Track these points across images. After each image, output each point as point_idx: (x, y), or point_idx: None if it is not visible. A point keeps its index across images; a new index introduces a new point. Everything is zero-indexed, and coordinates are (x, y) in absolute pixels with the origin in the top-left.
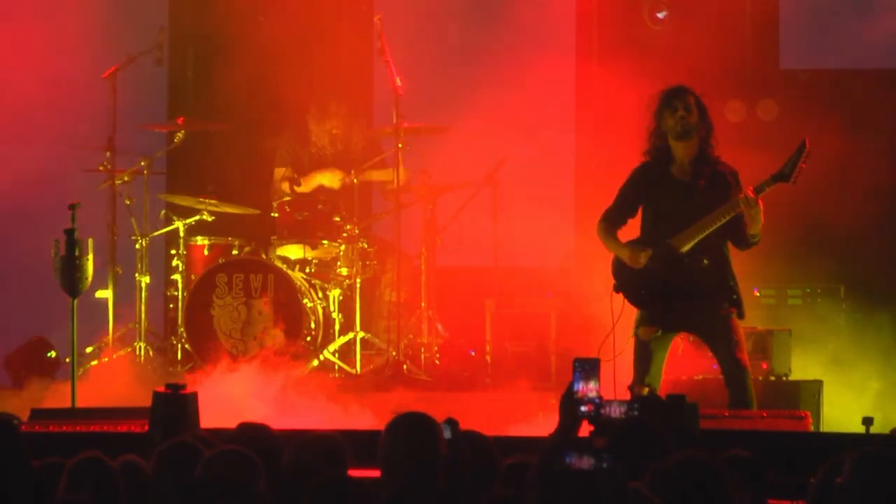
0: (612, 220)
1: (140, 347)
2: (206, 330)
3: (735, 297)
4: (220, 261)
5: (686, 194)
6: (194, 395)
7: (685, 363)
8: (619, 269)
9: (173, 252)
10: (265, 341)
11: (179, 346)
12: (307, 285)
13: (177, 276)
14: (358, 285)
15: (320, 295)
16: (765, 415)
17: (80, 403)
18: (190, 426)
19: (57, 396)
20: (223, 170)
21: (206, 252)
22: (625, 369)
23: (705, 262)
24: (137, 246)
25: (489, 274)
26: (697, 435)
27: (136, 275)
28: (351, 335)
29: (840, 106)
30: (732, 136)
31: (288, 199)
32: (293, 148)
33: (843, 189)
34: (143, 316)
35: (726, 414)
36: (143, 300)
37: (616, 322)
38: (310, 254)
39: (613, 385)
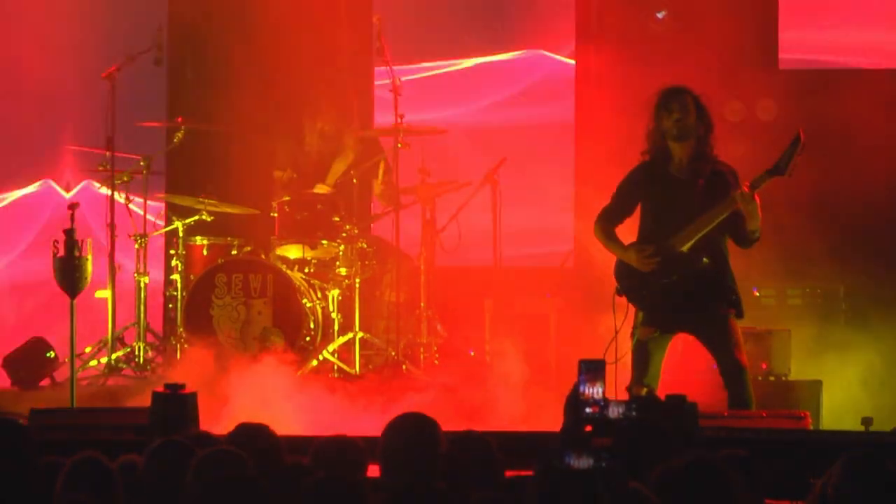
0: (609, 220)
1: (139, 347)
2: (206, 330)
3: (734, 296)
4: (219, 261)
5: (685, 194)
6: (194, 395)
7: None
8: (622, 271)
9: (173, 252)
10: (264, 341)
11: (179, 346)
12: (306, 285)
13: (176, 276)
14: (357, 285)
15: (319, 295)
16: (764, 415)
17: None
18: (189, 426)
19: (57, 396)
20: (223, 170)
21: (205, 252)
22: (627, 371)
23: (705, 261)
24: (137, 246)
25: (489, 274)
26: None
27: (136, 275)
28: (350, 335)
29: (839, 106)
30: (732, 136)
31: (287, 199)
32: (291, 149)
33: (843, 189)
34: (142, 316)
35: (726, 414)
36: (143, 300)
37: (620, 326)
38: (309, 254)
39: (615, 387)
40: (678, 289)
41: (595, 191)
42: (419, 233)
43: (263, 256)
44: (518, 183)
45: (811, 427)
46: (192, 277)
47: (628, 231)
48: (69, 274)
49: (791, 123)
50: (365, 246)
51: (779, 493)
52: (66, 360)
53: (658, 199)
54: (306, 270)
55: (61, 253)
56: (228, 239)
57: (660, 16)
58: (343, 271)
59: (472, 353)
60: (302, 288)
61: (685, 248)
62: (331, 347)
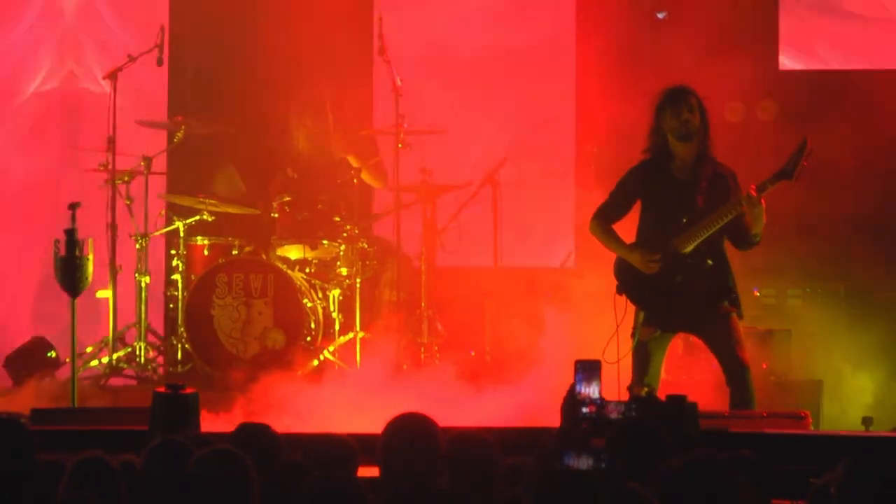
0: (607, 217)
1: (140, 347)
2: (207, 330)
3: (734, 296)
4: (220, 261)
5: (688, 194)
6: (195, 395)
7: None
8: (622, 270)
9: (173, 252)
10: (265, 341)
11: (179, 346)
12: (307, 285)
13: (177, 276)
14: (358, 285)
15: (320, 295)
16: (765, 415)
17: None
18: (190, 426)
19: (57, 396)
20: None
21: (206, 252)
22: (628, 371)
23: (709, 262)
24: (137, 246)
25: (489, 274)
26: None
27: (136, 275)
28: (351, 335)
29: (840, 106)
30: (732, 136)
31: (288, 199)
32: (291, 148)
33: (843, 189)
34: (143, 316)
35: (726, 414)
36: (144, 300)
37: (619, 324)
38: (310, 254)
39: (617, 387)
40: (681, 289)
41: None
42: (420, 233)
43: (264, 256)
44: (518, 183)
45: (811, 427)
46: (192, 277)
47: (622, 229)
48: (69, 274)
49: (791, 123)
50: (366, 246)
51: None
52: (67, 359)
53: (659, 198)
54: (307, 270)
55: (62, 253)
56: (229, 239)
57: (660, 16)
58: (344, 271)
59: (473, 353)
60: (303, 288)
61: (688, 249)
62: (331, 347)
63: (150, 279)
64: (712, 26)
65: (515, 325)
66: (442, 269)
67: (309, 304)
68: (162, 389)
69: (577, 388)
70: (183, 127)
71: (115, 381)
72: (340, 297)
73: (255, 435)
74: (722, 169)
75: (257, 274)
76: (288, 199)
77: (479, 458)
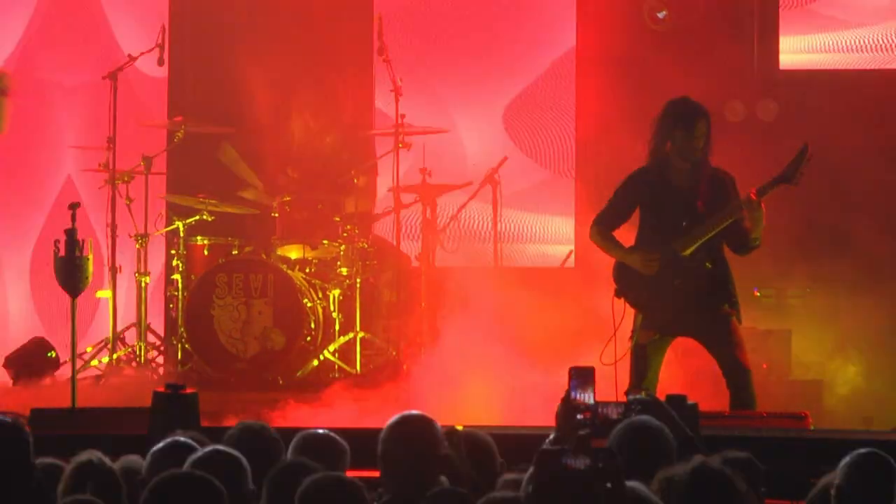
0: (606, 224)
1: (140, 347)
2: (207, 330)
3: (734, 300)
4: (220, 261)
5: (686, 199)
6: (195, 395)
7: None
8: (621, 273)
9: (173, 252)
10: (265, 341)
11: (180, 345)
12: (307, 285)
13: (177, 276)
14: (358, 285)
15: (320, 295)
16: (765, 415)
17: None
18: (190, 426)
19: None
20: (223, 170)
21: (206, 252)
22: (626, 374)
23: (708, 265)
24: (137, 246)
25: (489, 274)
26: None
27: (136, 275)
28: (351, 335)
29: (840, 106)
30: (732, 136)
31: (288, 199)
32: (291, 148)
33: (844, 189)
34: (143, 316)
35: (726, 414)
36: (144, 300)
37: (617, 327)
38: (310, 254)
39: (615, 390)
40: (681, 292)
41: (595, 192)
42: (420, 233)
43: (264, 256)
44: (519, 183)
45: (811, 427)
46: (192, 277)
47: (622, 236)
48: (69, 274)
49: (791, 124)
50: (366, 246)
51: (779, 493)
52: (68, 359)
53: (658, 203)
54: (307, 270)
55: (62, 253)
56: (229, 239)
57: (661, 16)
58: (344, 271)
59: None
60: (303, 288)
61: (687, 252)
62: (331, 347)
63: (150, 279)
64: (712, 25)
65: (515, 325)
66: (442, 269)
67: (309, 304)
68: (162, 389)
69: (572, 394)
70: (183, 127)
71: (115, 381)
72: (340, 297)
73: (254, 434)
74: (720, 174)
75: (257, 274)
76: (288, 199)
77: (479, 458)
